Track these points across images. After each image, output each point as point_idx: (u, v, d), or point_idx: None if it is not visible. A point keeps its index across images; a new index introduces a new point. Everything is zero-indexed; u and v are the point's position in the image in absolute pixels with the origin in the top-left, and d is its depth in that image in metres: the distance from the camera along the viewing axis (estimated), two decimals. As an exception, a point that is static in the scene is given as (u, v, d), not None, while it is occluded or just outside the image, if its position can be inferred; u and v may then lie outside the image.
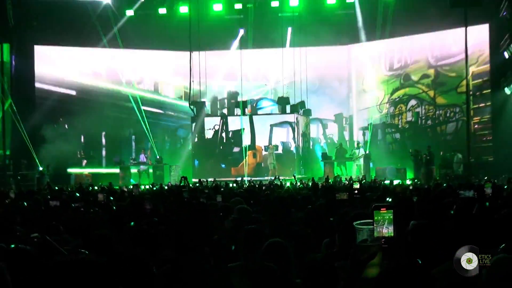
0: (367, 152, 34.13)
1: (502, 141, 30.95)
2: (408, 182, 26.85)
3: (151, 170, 34.49)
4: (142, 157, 35.15)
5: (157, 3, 36.47)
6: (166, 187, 22.50)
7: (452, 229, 5.51)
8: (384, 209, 3.72)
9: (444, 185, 21.52)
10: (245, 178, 30.42)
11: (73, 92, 36.32)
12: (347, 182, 23.67)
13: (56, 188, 22.60)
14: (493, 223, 6.12)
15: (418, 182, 24.95)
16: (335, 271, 3.94)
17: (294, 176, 29.38)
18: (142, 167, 34.98)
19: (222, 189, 17.72)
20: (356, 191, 13.44)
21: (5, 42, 32.96)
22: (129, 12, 36.62)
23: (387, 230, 3.68)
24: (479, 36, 32.54)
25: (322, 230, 7.16)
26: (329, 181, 24.46)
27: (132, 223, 8.34)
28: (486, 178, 23.74)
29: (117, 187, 23.06)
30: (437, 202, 9.59)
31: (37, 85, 34.90)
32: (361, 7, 35.43)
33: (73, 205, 11.68)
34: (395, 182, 24.19)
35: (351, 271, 3.70)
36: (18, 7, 32.15)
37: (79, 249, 5.47)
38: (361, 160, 33.38)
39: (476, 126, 32.98)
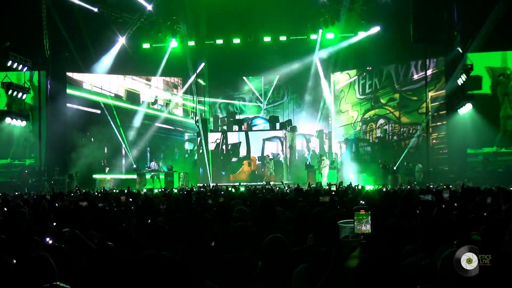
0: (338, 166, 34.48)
1: (455, 153, 31.16)
2: (378, 187, 26.80)
3: (162, 176, 34.34)
4: (154, 165, 35.04)
5: (169, 37, 36.62)
6: (175, 191, 22.39)
7: (418, 227, 5.50)
8: (363, 210, 3.73)
9: (408, 187, 21.63)
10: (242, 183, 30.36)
11: (98, 111, 36.30)
12: (327, 187, 23.62)
13: (84, 191, 22.54)
14: (448, 222, 6.12)
15: (386, 187, 24.88)
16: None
17: (282, 182, 29.42)
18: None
19: (222, 192, 17.64)
20: (333, 193, 13.45)
21: (42, 70, 33.05)
22: (146, 45, 36.91)
23: (365, 228, 3.69)
24: (436, 66, 32.81)
25: (306, 227, 7.12)
26: (311, 186, 24.40)
27: (149, 220, 8.32)
28: (441, 184, 23.78)
29: (135, 190, 22.95)
30: (403, 204, 9.59)
31: (68, 105, 34.89)
32: (337, 42, 35.58)
33: (98, 205, 11.64)
34: (367, 187, 24.12)
35: (335, 261, 3.70)
36: (53, 41, 32.24)
37: (105, 242, 5.42)
38: (325, 170, 33.37)
39: (434, 141, 33.05)
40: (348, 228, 3.71)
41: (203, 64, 37.21)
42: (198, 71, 37.14)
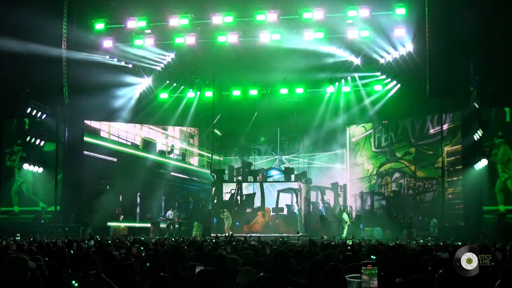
0: (352, 218, 34.10)
1: (471, 209, 30.82)
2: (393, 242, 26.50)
3: (177, 226, 34.34)
4: (169, 214, 35.03)
5: (186, 87, 37.02)
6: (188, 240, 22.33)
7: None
8: (370, 265, 3.73)
9: (421, 241, 21.38)
10: (254, 235, 30.12)
11: (115, 159, 36.61)
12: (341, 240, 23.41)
13: (98, 238, 22.54)
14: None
15: (400, 242, 24.65)
16: None
17: (298, 233, 29.24)
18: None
19: (234, 243, 17.59)
20: (349, 247, 13.36)
21: (61, 117, 33.35)
22: (163, 95, 37.28)
23: (373, 283, 3.68)
24: (453, 120, 32.77)
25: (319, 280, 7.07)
26: (324, 238, 24.23)
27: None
28: (455, 242, 23.40)
29: (142, 239, 22.95)
30: (416, 260, 9.51)
31: (85, 152, 35.21)
32: (354, 95, 35.89)
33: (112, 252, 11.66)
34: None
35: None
36: (72, 89, 32.57)
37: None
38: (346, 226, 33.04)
39: (449, 196, 32.80)
40: (356, 283, 3.69)
41: (219, 115, 37.60)
42: (214, 122, 37.44)
